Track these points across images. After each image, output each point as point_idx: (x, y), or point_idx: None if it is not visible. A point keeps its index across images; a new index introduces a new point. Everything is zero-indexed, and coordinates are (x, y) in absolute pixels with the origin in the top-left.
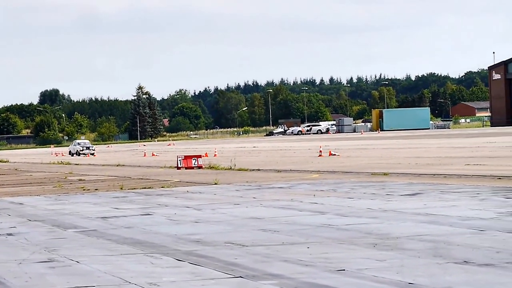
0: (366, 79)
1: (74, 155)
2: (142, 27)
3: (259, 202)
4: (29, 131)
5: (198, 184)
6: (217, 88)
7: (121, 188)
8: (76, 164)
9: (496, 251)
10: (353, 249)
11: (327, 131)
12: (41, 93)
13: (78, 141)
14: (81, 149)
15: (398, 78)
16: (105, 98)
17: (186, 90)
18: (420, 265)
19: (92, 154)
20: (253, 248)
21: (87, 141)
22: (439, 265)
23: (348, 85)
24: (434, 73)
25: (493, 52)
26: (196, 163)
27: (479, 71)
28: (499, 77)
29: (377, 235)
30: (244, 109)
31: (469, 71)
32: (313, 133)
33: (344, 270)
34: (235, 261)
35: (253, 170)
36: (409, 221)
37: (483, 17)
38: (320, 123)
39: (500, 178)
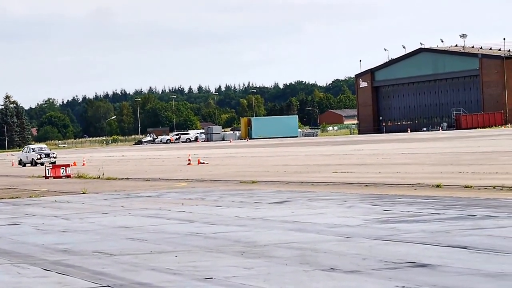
0: (235, 87)
1: (28, 164)
2: (8, 35)
3: (128, 211)
4: None
5: (66, 193)
6: (85, 97)
7: None
8: None
9: (362, 258)
10: (221, 257)
11: (196, 139)
12: None
13: (32, 146)
14: (38, 157)
15: (266, 86)
16: None
17: (54, 99)
18: (287, 273)
19: (54, 162)
20: (121, 257)
21: (44, 145)
22: (306, 273)
23: (217, 93)
24: (302, 81)
25: (360, 60)
26: (64, 172)
27: (346, 79)
28: (366, 85)
29: (245, 243)
30: (113, 118)
31: (337, 79)
32: (182, 142)
33: (212, 278)
34: (103, 270)
35: (122, 179)
36: (276, 229)
37: (350, 25)
38: (189, 131)
39: (367, 185)
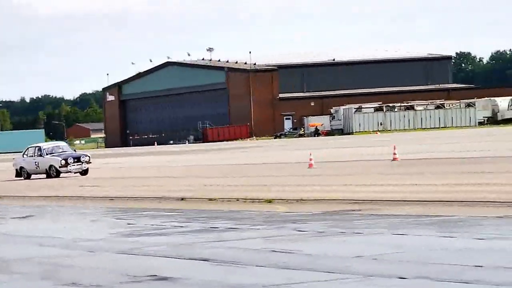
0: None
1: (34, 175)
2: None
3: None
4: None
5: None
6: None
7: None
8: None
9: (108, 272)
10: None
11: None
12: None
13: (43, 145)
14: (63, 162)
15: (12, 100)
16: None
17: None
18: None
19: (85, 172)
20: None
21: (62, 143)
22: None
23: None
24: (49, 95)
25: (107, 74)
26: None
27: (94, 92)
28: (113, 99)
29: None
30: None
31: (84, 93)
32: None
33: None
34: None
35: None
36: (19, 244)
37: (97, 38)
38: None
39: (112, 199)
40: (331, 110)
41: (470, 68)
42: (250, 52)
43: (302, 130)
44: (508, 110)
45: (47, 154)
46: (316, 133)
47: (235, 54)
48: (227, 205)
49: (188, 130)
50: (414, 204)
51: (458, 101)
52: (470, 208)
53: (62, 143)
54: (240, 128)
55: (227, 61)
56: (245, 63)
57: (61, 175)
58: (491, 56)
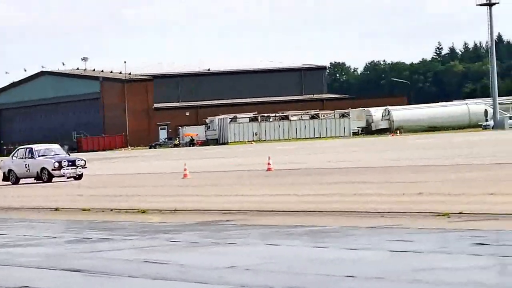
0: None
1: (24, 179)
2: None
3: None
4: None
5: None
6: None
7: None
8: None
9: None
10: None
11: None
12: None
13: (35, 147)
14: (56, 165)
15: None
16: None
17: None
18: None
19: (79, 176)
20: None
21: (55, 145)
22: None
23: None
24: None
25: None
26: None
27: None
28: None
29: None
30: None
31: None
32: None
33: None
34: None
35: None
36: None
37: None
38: None
39: None
40: (206, 120)
41: (344, 78)
42: (125, 62)
43: (177, 140)
44: (382, 120)
45: (39, 156)
46: (191, 143)
47: (110, 64)
48: (101, 216)
49: (62, 140)
50: (287, 215)
51: (333, 111)
52: (343, 218)
53: (55, 146)
54: (115, 138)
55: (102, 71)
56: (120, 73)
57: (53, 179)
58: (365, 67)
